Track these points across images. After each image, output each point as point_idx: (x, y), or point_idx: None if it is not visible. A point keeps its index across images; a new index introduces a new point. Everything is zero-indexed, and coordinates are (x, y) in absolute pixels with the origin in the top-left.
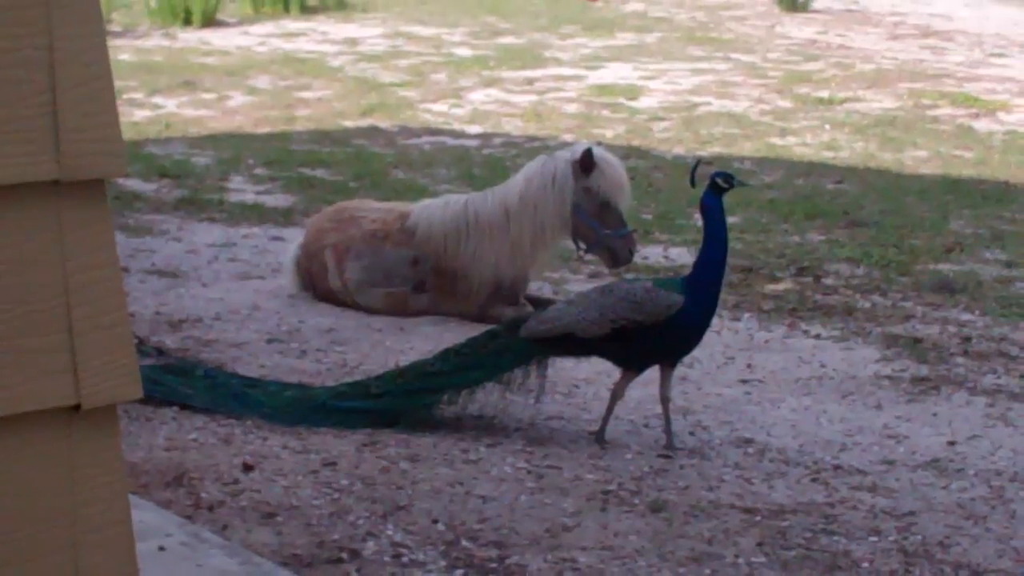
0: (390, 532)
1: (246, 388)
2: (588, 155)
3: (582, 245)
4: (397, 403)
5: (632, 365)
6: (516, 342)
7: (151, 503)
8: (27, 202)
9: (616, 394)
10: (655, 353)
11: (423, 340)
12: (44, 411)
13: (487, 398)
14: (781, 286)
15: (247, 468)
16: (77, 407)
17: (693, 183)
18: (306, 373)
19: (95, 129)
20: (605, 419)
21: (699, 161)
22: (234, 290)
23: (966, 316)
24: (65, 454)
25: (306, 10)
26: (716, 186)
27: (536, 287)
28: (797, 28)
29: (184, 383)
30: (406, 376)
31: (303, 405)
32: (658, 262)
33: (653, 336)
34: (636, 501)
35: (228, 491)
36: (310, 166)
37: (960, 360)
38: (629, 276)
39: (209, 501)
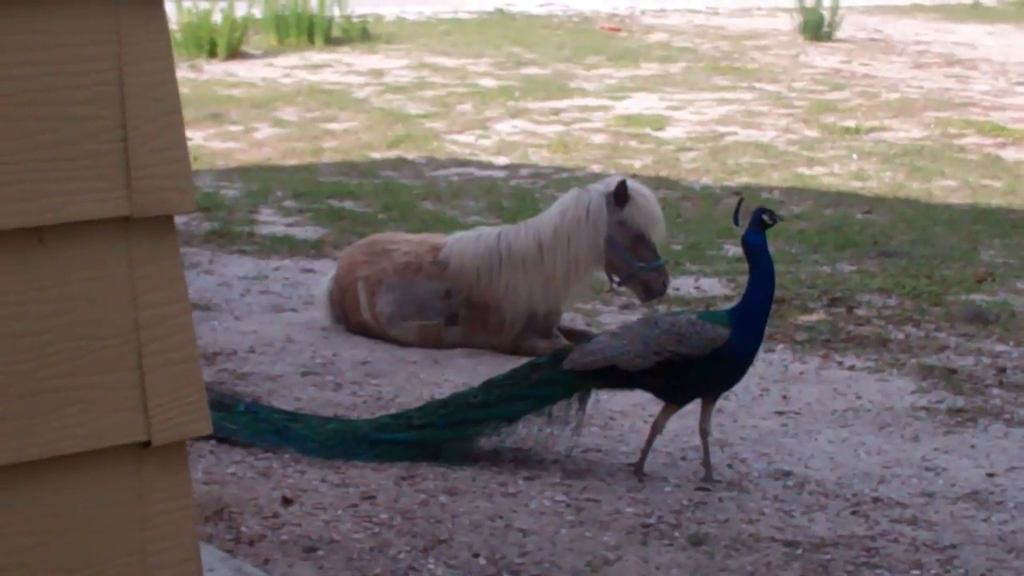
0: (431, 566)
1: (288, 423)
2: (622, 187)
3: (615, 278)
4: (439, 434)
5: (675, 398)
6: (559, 374)
7: None
8: (98, 238)
9: (656, 427)
10: (698, 386)
11: (457, 373)
12: (114, 447)
13: (528, 430)
14: (814, 317)
15: (286, 502)
16: (147, 443)
17: (737, 221)
18: (342, 406)
19: (165, 165)
20: (644, 452)
21: (742, 199)
22: (267, 323)
23: (1000, 347)
24: (135, 491)
25: (330, 41)
26: (760, 222)
27: (568, 318)
28: (821, 57)
29: (227, 418)
30: (448, 407)
31: (346, 438)
32: (689, 293)
33: (697, 369)
34: (676, 535)
35: (268, 525)
36: (338, 198)
37: (996, 391)
38: (670, 309)
39: (250, 535)
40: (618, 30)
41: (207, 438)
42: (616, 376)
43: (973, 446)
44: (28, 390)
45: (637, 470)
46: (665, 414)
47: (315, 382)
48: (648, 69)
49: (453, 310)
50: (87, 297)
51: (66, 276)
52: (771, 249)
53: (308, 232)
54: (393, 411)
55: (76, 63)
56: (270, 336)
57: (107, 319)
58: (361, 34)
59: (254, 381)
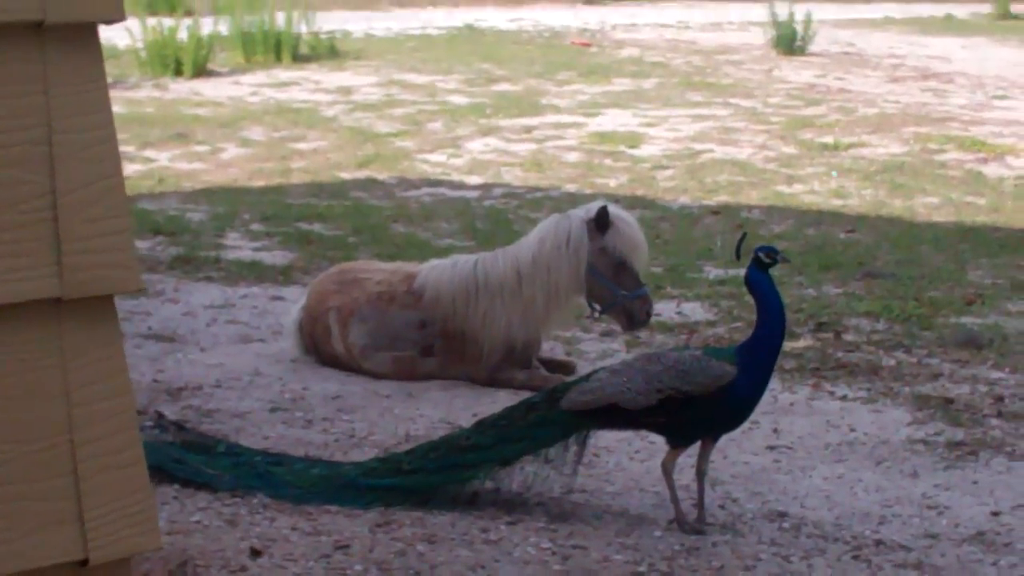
0: None
1: (271, 467)
2: (603, 213)
3: (596, 307)
4: (431, 479)
5: (678, 439)
6: (556, 414)
7: None
8: (24, 323)
9: (669, 471)
10: (702, 426)
11: (433, 407)
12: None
13: (523, 473)
14: (801, 343)
15: (255, 553)
16: (84, 562)
17: (739, 256)
18: (313, 444)
19: (103, 236)
20: (673, 500)
21: (744, 234)
22: (234, 354)
23: (996, 374)
24: None
25: (298, 59)
26: (759, 261)
27: (548, 348)
28: (795, 72)
29: (207, 462)
30: (439, 450)
31: (331, 484)
32: (671, 318)
33: (702, 408)
34: None
35: None
36: (308, 220)
37: (995, 422)
38: (653, 337)
39: None
40: (589, 45)
41: (174, 481)
42: (617, 416)
43: (975, 482)
44: None
45: (680, 524)
46: (672, 456)
47: (285, 419)
48: (620, 85)
49: (428, 341)
50: (10, 393)
51: None
52: None
53: (276, 257)
54: (367, 449)
55: None
56: (237, 369)
57: (35, 418)
58: (329, 51)
59: (220, 418)
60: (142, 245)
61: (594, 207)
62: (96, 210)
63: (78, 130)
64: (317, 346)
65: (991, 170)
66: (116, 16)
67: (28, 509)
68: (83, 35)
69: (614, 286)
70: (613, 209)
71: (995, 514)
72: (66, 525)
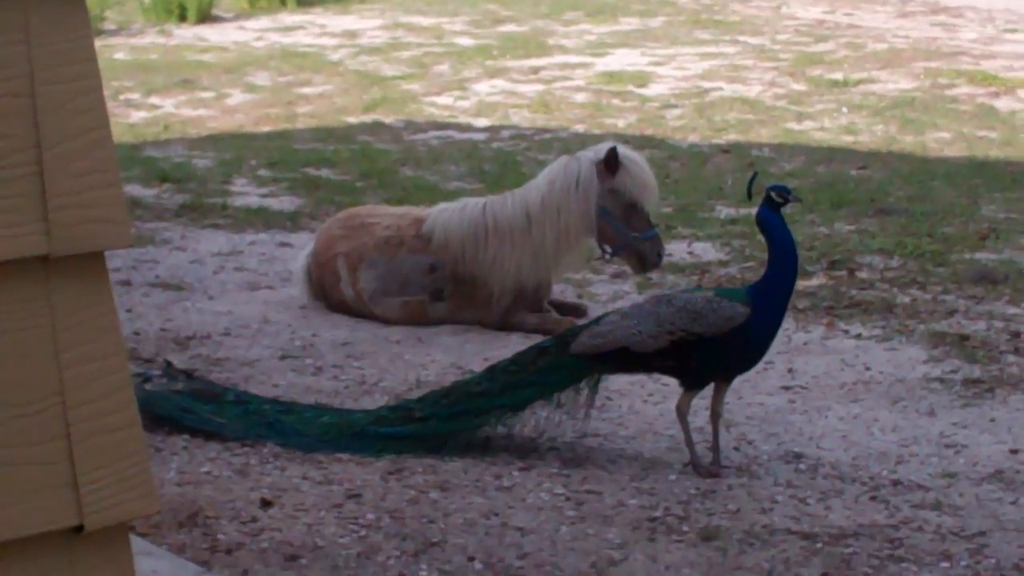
0: (424, 573)
1: (280, 415)
2: (613, 155)
3: (607, 249)
4: (443, 426)
5: (691, 381)
6: (567, 358)
7: (165, 549)
8: (10, 282)
9: (683, 414)
10: (715, 368)
11: (444, 352)
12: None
13: (535, 418)
14: (814, 281)
15: (266, 504)
16: (79, 528)
17: (750, 195)
18: (323, 392)
19: (91, 191)
20: (688, 443)
21: (756, 173)
22: (243, 302)
23: (1012, 310)
24: None
25: (303, 3)
26: (771, 200)
27: (559, 290)
28: (803, 8)
29: (216, 411)
30: (451, 397)
31: (342, 432)
32: (683, 259)
33: (714, 350)
34: (685, 528)
35: (247, 531)
36: (315, 165)
37: (1012, 358)
38: (665, 278)
39: (227, 543)
40: None
41: (183, 431)
42: (628, 359)
43: (993, 420)
44: None
45: (696, 467)
46: (686, 398)
47: (294, 366)
48: (628, 24)
49: (438, 285)
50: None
51: None
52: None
53: (284, 203)
54: (377, 395)
55: None
56: (246, 317)
57: (25, 380)
58: None
59: (230, 367)
60: (148, 193)
61: (603, 148)
62: (83, 164)
63: (62, 81)
64: (326, 292)
65: (1003, 104)
66: None
67: (20, 475)
68: None
69: (625, 228)
70: (622, 150)
71: (1013, 452)
72: (60, 490)
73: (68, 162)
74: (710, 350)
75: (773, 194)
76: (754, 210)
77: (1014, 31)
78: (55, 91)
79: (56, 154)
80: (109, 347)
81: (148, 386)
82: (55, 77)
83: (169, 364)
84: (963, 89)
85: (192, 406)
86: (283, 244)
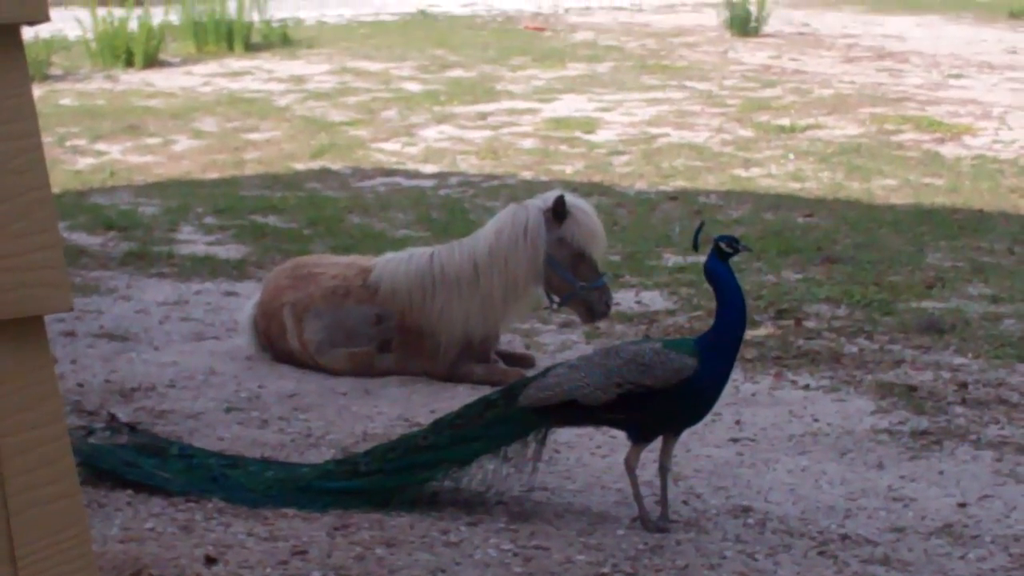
0: None
1: (225, 469)
2: (560, 203)
3: (555, 298)
4: (389, 481)
5: (640, 435)
6: (514, 411)
7: None
8: None
9: (631, 468)
10: (665, 421)
11: (391, 404)
12: None
13: (483, 472)
14: (762, 331)
15: (210, 561)
16: None
17: (696, 246)
18: (269, 445)
19: (30, 253)
20: (636, 497)
21: (703, 223)
22: (188, 353)
23: (958, 360)
24: None
25: (250, 48)
26: (720, 250)
27: (506, 340)
28: (750, 53)
29: (160, 465)
30: (397, 451)
31: (288, 486)
32: (630, 308)
33: (662, 402)
34: None
35: None
36: (262, 213)
37: (959, 410)
38: (613, 327)
39: None
40: (543, 29)
41: (127, 486)
42: (576, 412)
43: (941, 472)
44: None
45: (644, 522)
46: (635, 452)
47: (240, 419)
48: (575, 69)
49: (385, 336)
50: None
51: None
52: None
53: (230, 251)
54: (324, 449)
55: None
56: (191, 368)
57: None
58: (281, 39)
59: (174, 419)
60: (94, 241)
61: (551, 196)
62: (23, 224)
63: (1, 140)
64: (272, 343)
65: (948, 150)
66: (40, 17)
67: None
68: (4, 38)
69: (572, 277)
70: (570, 198)
71: (962, 505)
72: None
73: (7, 223)
74: (659, 402)
75: (722, 244)
76: (702, 259)
77: (959, 76)
78: None
79: None
80: (47, 415)
81: (92, 439)
82: None
83: (113, 417)
84: (909, 135)
85: (136, 460)
86: (229, 293)
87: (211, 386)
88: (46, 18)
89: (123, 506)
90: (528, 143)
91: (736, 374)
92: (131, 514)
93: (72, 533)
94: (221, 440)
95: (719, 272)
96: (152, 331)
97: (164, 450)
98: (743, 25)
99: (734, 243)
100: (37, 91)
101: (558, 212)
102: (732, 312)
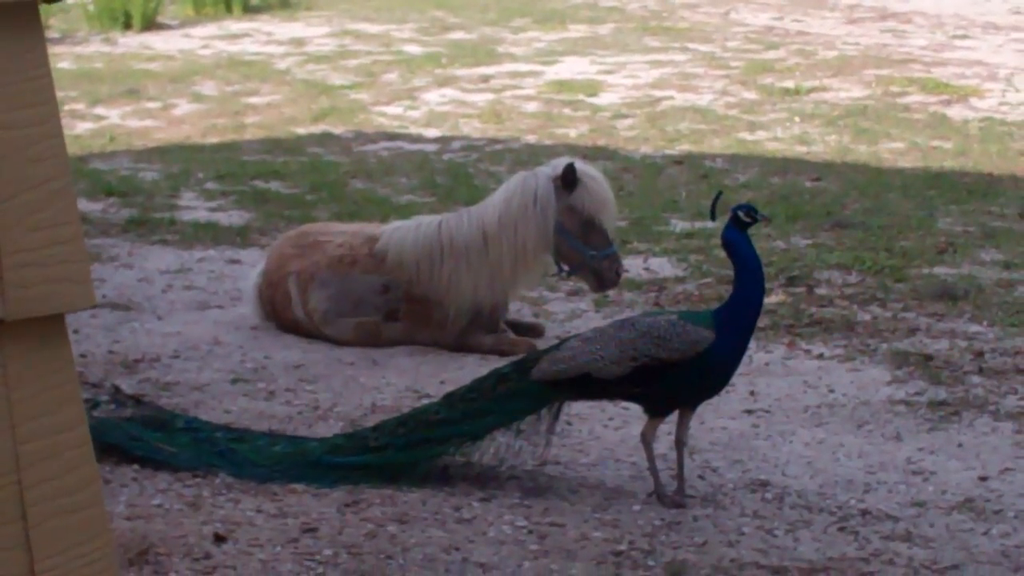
0: None
1: (232, 443)
2: (571, 171)
3: (565, 267)
4: (400, 456)
5: (656, 409)
6: (527, 385)
7: None
8: None
9: (648, 442)
10: (680, 394)
11: (399, 374)
12: None
13: (495, 446)
14: (774, 299)
15: (219, 539)
16: None
17: (714, 216)
18: (276, 418)
19: (50, 247)
20: (653, 472)
21: (720, 193)
22: (192, 322)
23: (974, 327)
24: None
25: (249, 10)
26: (738, 220)
27: (515, 309)
28: (752, 15)
29: (166, 438)
30: (408, 426)
31: (296, 461)
32: (639, 275)
33: (678, 375)
34: (651, 563)
35: (199, 568)
36: (263, 178)
37: (976, 379)
38: (622, 296)
39: None
40: None
41: (132, 461)
42: (590, 386)
43: (960, 444)
44: None
45: (660, 498)
46: (651, 426)
47: (246, 391)
48: (576, 31)
49: (392, 305)
50: None
51: None
52: (719, 222)
53: (232, 217)
54: (331, 421)
55: None
56: (196, 338)
57: None
58: (280, 1)
59: (180, 391)
60: (94, 207)
61: (560, 164)
62: (42, 217)
63: (19, 126)
64: (277, 312)
65: (955, 112)
66: None
67: None
68: (22, 14)
69: (582, 245)
70: (580, 166)
71: (983, 479)
72: None
73: (25, 215)
74: (675, 376)
75: (740, 214)
76: (709, 224)
77: (964, 37)
78: (11, 137)
79: (12, 207)
80: (70, 419)
81: (96, 413)
82: (11, 121)
83: (117, 389)
84: (915, 97)
85: (141, 434)
86: (232, 261)
87: (216, 357)
88: None
89: (129, 482)
90: (531, 106)
91: (749, 343)
92: (137, 490)
93: (96, 545)
94: (227, 413)
95: (737, 242)
96: (155, 300)
97: (169, 423)
98: None
99: (752, 212)
100: None
101: (568, 180)
102: (750, 284)
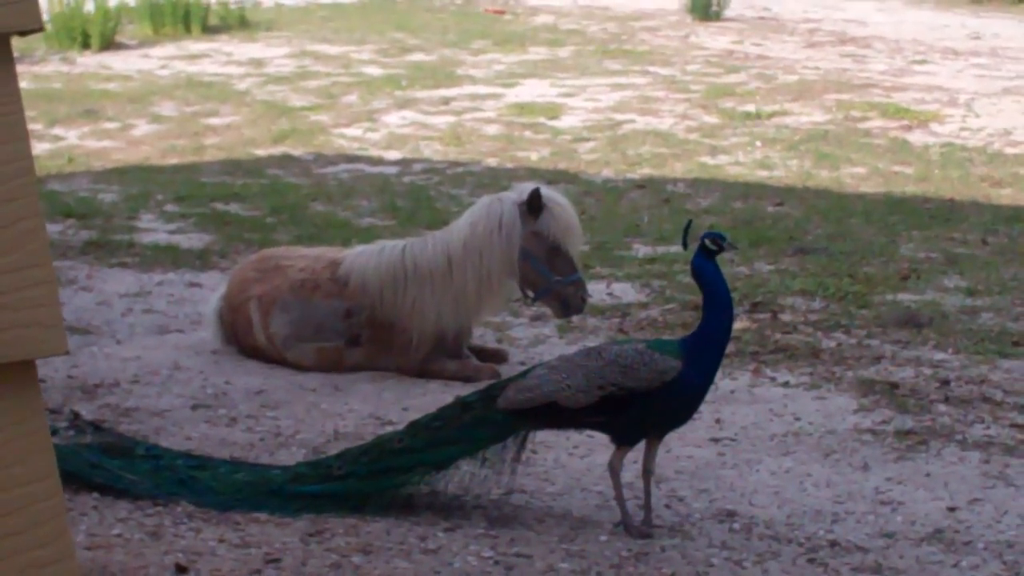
0: None
1: (193, 471)
2: (536, 196)
3: (530, 293)
4: (363, 485)
5: (624, 438)
6: (493, 414)
7: None
8: None
9: (615, 472)
10: (648, 424)
11: (361, 401)
12: None
13: (460, 475)
14: (739, 325)
15: (180, 570)
16: None
17: (685, 245)
18: (238, 445)
19: (20, 291)
20: (620, 502)
21: (691, 221)
22: (152, 347)
23: (939, 355)
24: None
25: (208, 30)
26: (705, 248)
27: (478, 334)
28: (711, 38)
29: (126, 466)
30: (371, 455)
31: (258, 490)
32: (602, 300)
33: (646, 405)
34: None
35: None
36: (223, 200)
37: (943, 408)
38: (586, 321)
39: None
40: (503, 12)
41: (92, 489)
42: (557, 415)
43: (928, 474)
44: None
45: (628, 528)
46: (618, 456)
47: (207, 417)
48: (537, 53)
49: (355, 331)
50: None
51: None
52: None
53: (192, 240)
54: (294, 448)
55: None
56: (156, 363)
57: None
58: (239, 22)
59: (140, 417)
60: (53, 229)
61: (526, 189)
62: (14, 258)
63: None
64: (238, 337)
65: (916, 138)
66: (33, 25)
67: None
68: None
69: (548, 271)
70: (546, 191)
71: (951, 509)
72: None
73: None
74: (642, 405)
75: (707, 242)
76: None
77: (923, 62)
78: None
79: None
80: (41, 469)
81: (55, 440)
82: None
83: (76, 415)
84: (876, 122)
85: (101, 461)
86: (193, 284)
87: (176, 382)
88: (40, 27)
89: (88, 510)
90: (492, 129)
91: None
92: (97, 519)
93: None
94: (189, 439)
95: (706, 270)
96: (114, 324)
97: (130, 450)
98: (704, 9)
99: (721, 240)
100: None
101: (533, 205)
102: (719, 313)
